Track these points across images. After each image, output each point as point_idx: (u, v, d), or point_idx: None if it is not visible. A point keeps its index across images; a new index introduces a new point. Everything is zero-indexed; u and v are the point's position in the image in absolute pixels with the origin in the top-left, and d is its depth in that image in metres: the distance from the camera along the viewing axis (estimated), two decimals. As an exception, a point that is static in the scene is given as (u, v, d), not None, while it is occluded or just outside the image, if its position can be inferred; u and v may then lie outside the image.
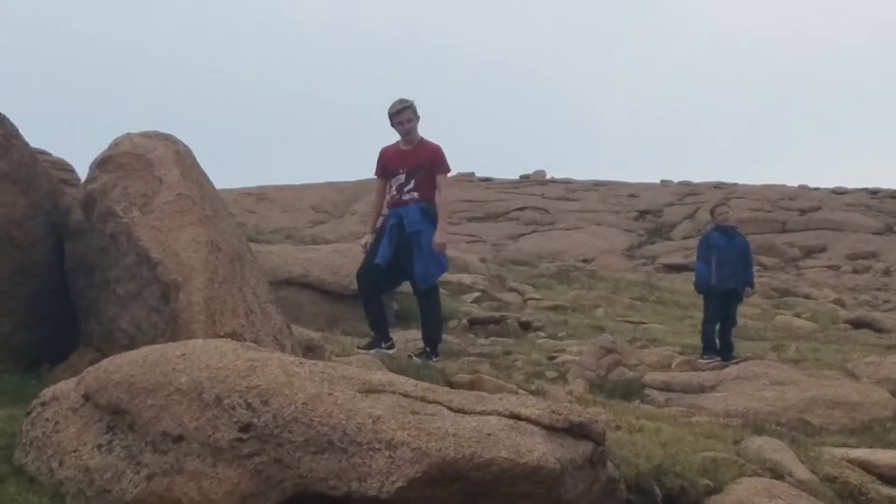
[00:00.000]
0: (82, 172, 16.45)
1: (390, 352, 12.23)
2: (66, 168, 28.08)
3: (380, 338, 12.43)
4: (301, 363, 6.51)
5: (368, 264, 12.52)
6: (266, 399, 6.08)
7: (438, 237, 12.25)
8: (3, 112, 9.37)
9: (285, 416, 6.01)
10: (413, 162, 12.45)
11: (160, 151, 9.05)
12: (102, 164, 9.15)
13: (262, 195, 57.73)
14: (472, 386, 10.49)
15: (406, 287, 13.47)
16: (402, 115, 12.45)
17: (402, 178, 12.48)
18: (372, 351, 12.03)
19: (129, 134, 9.32)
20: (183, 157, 9.13)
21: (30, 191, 9.30)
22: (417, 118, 12.53)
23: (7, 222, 9.08)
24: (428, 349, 12.38)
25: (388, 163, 12.67)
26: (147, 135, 9.28)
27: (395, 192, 12.54)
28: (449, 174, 12.71)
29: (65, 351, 9.17)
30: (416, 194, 12.39)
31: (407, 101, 12.52)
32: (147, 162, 8.95)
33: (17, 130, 9.37)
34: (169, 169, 8.90)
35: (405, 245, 12.29)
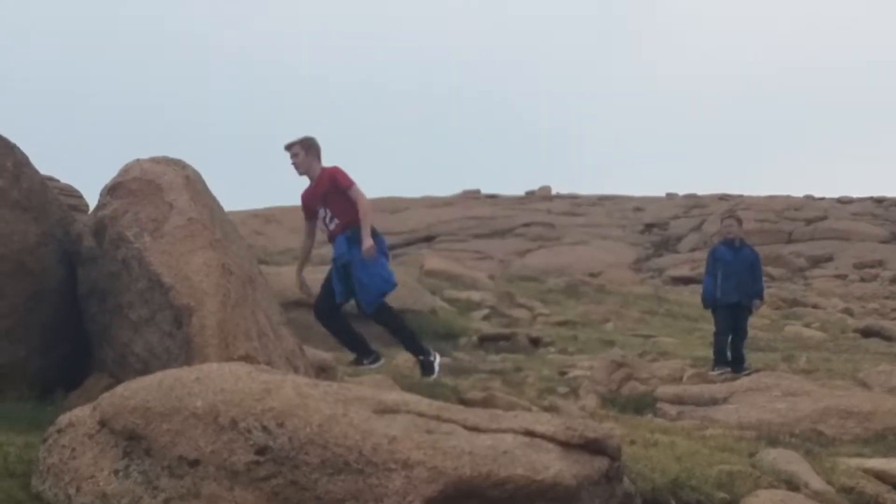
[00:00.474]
0: (90, 198, 16.49)
1: (375, 366, 12.21)
2: (73, 194, 28.01)
3: (361, 356, 12.43)
4: (315, 385, 6.53)
5: (320, 300, 12.56)
6: (281, 421, 6.10)
7: (364, 245, 12.06)
8: (11, 139, 9.44)
9: (301, 437, 6.03)
10: (320, 193, 12.44)
11: (170, 176, 9.09)
12: (113, 190, 9.20)
13: (269, 217, 57.73)
14: (485, 403, 10.50)
15: (415, 308, 13.45)
16: (290, 151, 12.45)
17: (322, 212, 12.50)
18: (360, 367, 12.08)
19: (138, 159, 9.38)
20: (192, 181, 9.18)
21: (41, 218, 9.34)
22: (310, 152, 12.41)
23: (19, 250, 9.12)
24: (422, 362, 12.33)
25: (307, 204, 12.73)
26: (156, 160, 9.33)
27: (326, 228, 12.59)
28: (354, 185, 12.38)
29: (79, 377, 9.20)
30: (337, 222, 12.33)
31: (308, 138, 12.49)
32: (157, 187, 9.00)
33: (27, 158, 9.42)
34: (179, 194, 8.94)
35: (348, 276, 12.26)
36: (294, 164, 12.40)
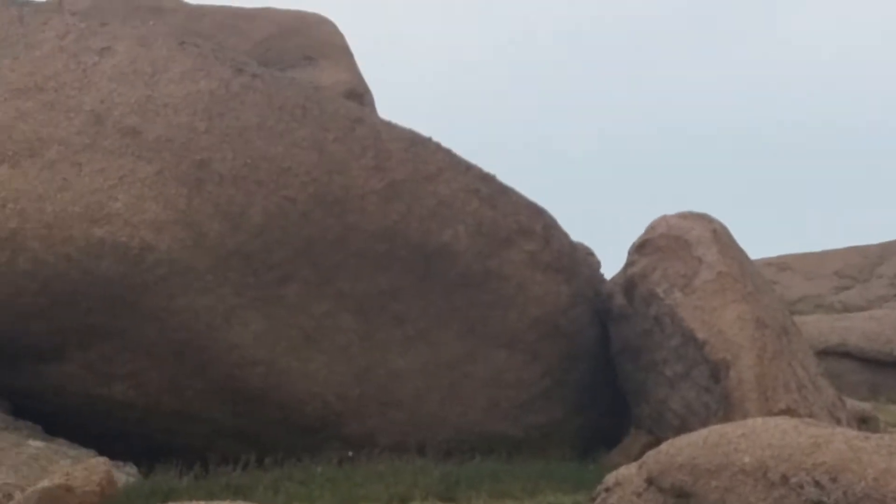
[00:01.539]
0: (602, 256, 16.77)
1: None
2: (587, 252, 28.62)
3: None
4: (866, 437, 6.31)
5: None
6: (834, 476, 5.92)
7: None
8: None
9: (856, 492, 5.84)
10: None
11: (697, 231, 9.13)
12: (640, 247, 9.34)
13: (782, 265, 56.68)
14: None
15: None
16: None
17: None
18: None
19: (664, 216, 9.49)
20: (720, 235, 9.17)
21: (571, 279, 9.60)
22: None
23: (553, 311, 9.41)
24: None
25: None
26: (682, 215, 9.40)
27: None
28: None
29: (615, 435, 9.35)
30: None
31: None
32: (685, 243, 9.05)
33: (555, 221, 9.73)
34: (707, 248, 8.96)
35: None
36: None
